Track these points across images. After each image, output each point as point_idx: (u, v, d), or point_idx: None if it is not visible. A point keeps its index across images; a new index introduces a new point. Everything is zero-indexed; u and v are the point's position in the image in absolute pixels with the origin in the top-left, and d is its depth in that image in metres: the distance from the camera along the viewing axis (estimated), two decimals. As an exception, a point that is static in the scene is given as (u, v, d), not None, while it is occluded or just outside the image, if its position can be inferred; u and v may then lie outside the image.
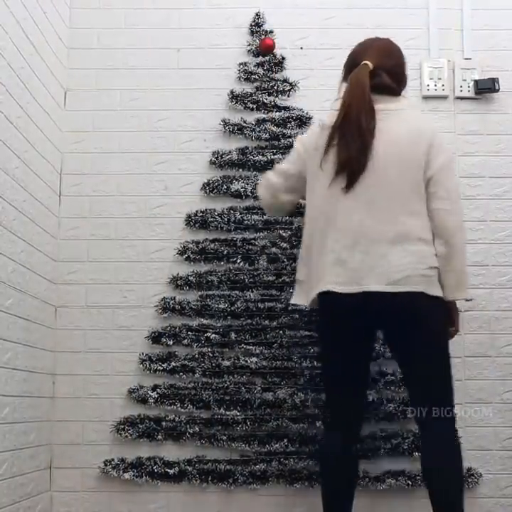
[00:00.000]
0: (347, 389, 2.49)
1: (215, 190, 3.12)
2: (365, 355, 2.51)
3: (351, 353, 2.46)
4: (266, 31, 3.22)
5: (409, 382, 2.47)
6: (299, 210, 3.09)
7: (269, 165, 3.10)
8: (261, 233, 3.09)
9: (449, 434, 2.40)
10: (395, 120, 2.43)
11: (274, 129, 3.15)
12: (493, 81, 3.14)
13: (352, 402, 2.50)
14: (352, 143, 2.38)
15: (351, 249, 2.36)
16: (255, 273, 3.06)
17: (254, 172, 3.13)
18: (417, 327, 2.37)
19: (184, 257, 3.09)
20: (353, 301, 2.35)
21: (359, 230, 2.36)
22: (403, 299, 2.33)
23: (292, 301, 2.60)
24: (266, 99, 3.16)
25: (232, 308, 3.04)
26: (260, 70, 3.19)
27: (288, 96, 3.18)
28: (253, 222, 3.08)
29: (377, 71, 2.45)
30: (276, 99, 3.17)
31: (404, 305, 2.35)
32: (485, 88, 3.15)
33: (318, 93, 3.18)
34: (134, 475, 2.96)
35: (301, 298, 2.54)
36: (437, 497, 2.38)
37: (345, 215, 2.39)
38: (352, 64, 2.53)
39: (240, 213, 3.10)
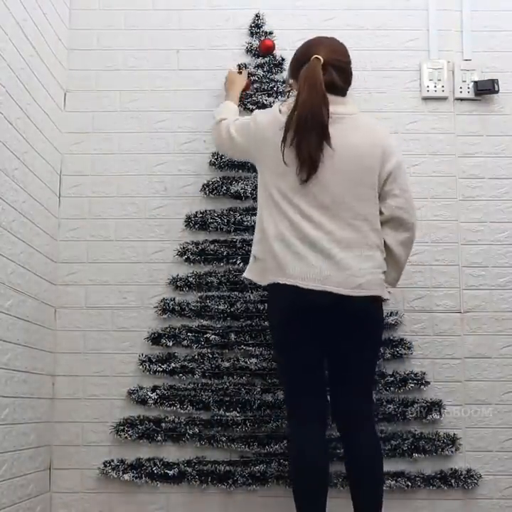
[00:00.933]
0: (311, 382, 2.51)
1: (215, 191, 3.12)
2: (319, 349, 2.52)
3: (311, 348, 2.49)
4: (266, 32, 3.22)
5: (347, 380, 2.52)
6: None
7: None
8: (260, 234, 3.09)
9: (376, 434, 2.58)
10: (350, 125, 2.51)
11: (274, 130, 3.15)
12: (493, 82, 3.14)
13: (319, 391, 2.52)
14: (312, 137, 2.43)
15: (313, 251, 2.42)
16: (255, 274, 3.06)
17: (254, 173, 3.13)
18: (367, 327, 2.50)
19: (184, 258, 3.09)
20: (321, 304, 2.41)
21: (320, 233, 2.43)
22: (366, 302, 2.45)
23: (246, 276, 2.60)
24: (265, 100, 3.16)
25: (232, 310, 3.04)
26: (260, 71, 3.19)
27: (287, 97, 3.16)
28: (253, 224, 3.08)
29: (327, 67, 2.50)
30: (276, 100, 3.16)
31: (365, 308, 2.46)
32: (485, 89, 3.15)
33: (318, 94, 3.18)
34: (133, 476, 2.96)
35: (254, 274, 2.56)
36: (368, 498, 2.49)
37: (303, 213, 2.45)
38: (302, 59, 2.57)
39: (240, 214, 3.10)
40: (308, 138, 2.43)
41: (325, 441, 2.54)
